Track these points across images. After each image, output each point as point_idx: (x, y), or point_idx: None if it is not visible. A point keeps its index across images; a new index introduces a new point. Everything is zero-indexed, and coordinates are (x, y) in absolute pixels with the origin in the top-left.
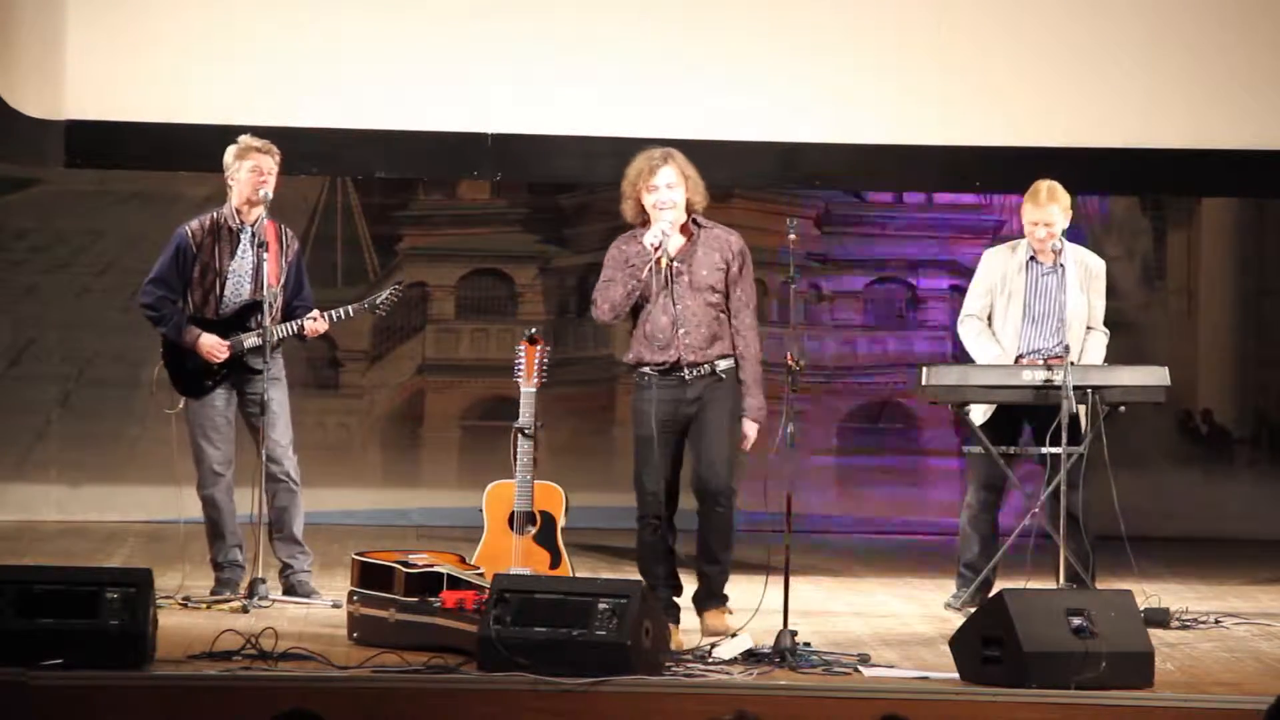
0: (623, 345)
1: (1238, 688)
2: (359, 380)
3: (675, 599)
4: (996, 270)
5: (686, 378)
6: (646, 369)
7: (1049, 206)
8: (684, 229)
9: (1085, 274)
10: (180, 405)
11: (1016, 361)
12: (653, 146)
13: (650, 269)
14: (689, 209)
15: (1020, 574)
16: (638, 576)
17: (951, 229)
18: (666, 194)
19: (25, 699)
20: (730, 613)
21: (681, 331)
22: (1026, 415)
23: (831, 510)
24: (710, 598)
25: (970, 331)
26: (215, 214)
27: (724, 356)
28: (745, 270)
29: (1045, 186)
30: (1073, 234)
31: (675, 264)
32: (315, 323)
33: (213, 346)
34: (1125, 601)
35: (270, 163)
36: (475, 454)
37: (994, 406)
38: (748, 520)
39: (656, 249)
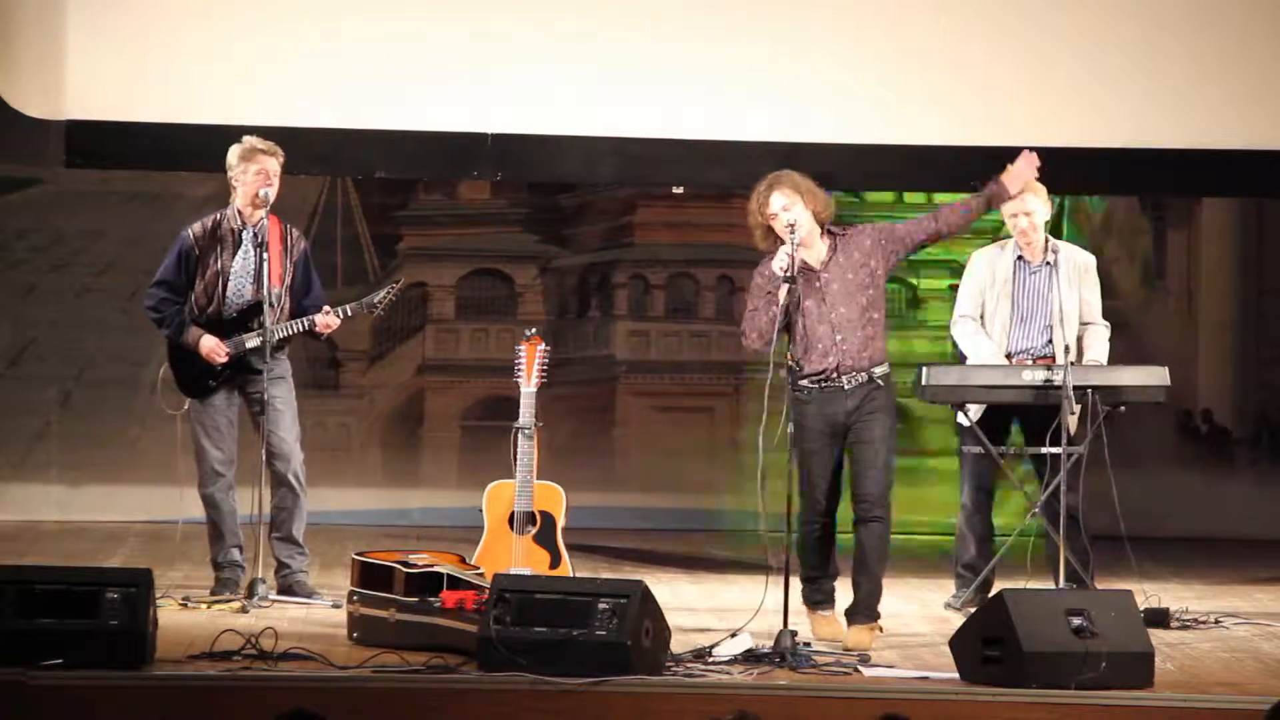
0: (623, 346)
1: (1238, 688)
2: (359, 380)
3: (834, 585)
4: (985, 270)
5: (845, 386)
6: (805, 381)
7: (1023, 196)
8: (824, 238)
9: (1074, 270)
10: (185, 407)
11: (1007, 360)
12: (649, 147)
13: (787, 291)
14: (818, 220)
15: (1020, 574)
16: (638, 576)
17: None
18: (785, 216)
19: (25, 699)
20: (880, 630)
21: (840, 338)
22: (1017, 414)
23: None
24: (858, 612)
25: (965, 331)
26: (218, 215)
27: (879, 363)
28: (884, 235)
29: None
30: (1073, 234)
31: (822, 274)
32: (328, 316)
33: (212, 348)
34: (1125, 601)
35: (275, 165)
36: (475, 454)
37: (984, 406)
38: (747, 520)
39: (785, 271)
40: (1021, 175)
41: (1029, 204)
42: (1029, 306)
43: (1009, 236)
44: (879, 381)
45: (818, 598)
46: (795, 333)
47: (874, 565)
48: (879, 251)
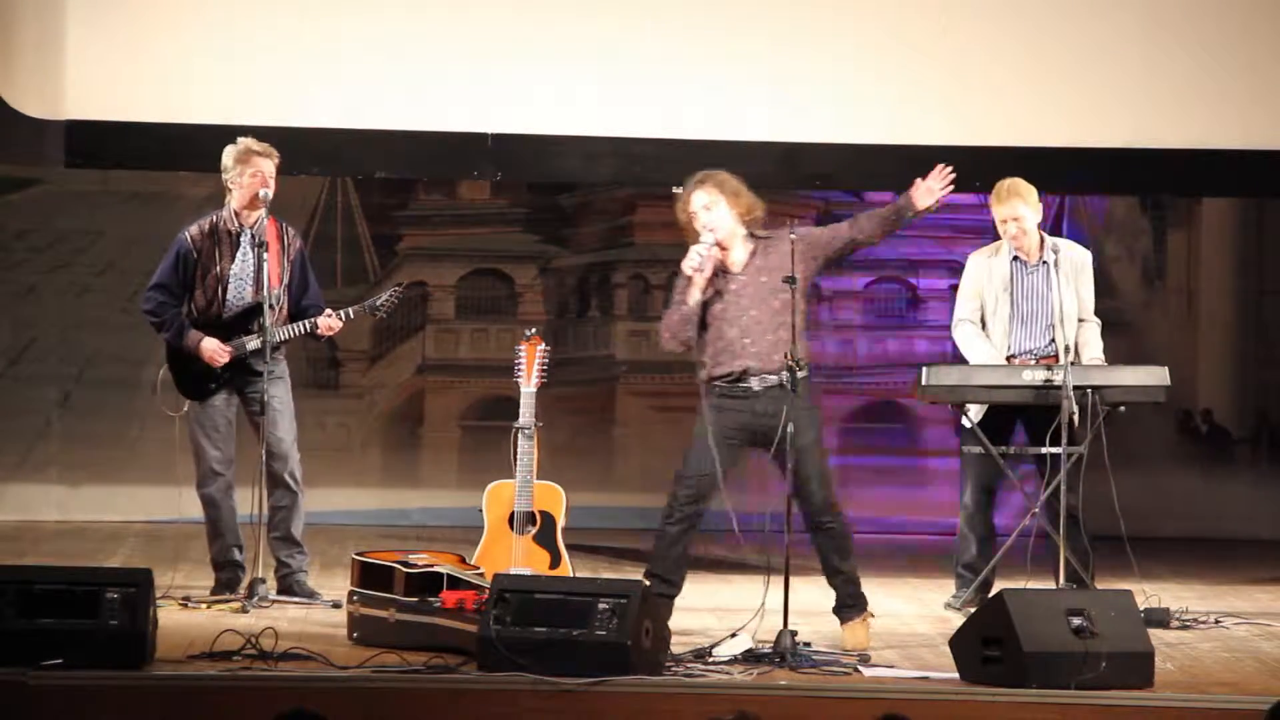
0: (623, 346)
1: (1238, 688)
2: (359, 380)
3: (670, 595)
4: (982, 272)
5: (756, 388)
6: (718, 384)
7: (1011, 201)
8: (746, 241)
9: (1071, 267)
10: (185, 408)
11: (1008, 362)
12: (649, 147)
13: (699, 290)
14: (743, 222)
15: (1020, 574)
16: (638, 576)
17: (951, 229)
18: (706, 216)
19: (25, 699)
20: (873, 616)
21: (747, 341)
22: (1020, 415)
23: None
24: (845, 608)
25: (964, 335)
26: (214, 217)
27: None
28: (804, 240)
29: (1007, 183)
30: (1073, 233)
31: (738, 277)
32: (330, 319)
33: (214, 351)
34: (1125, 601)
35: (270, 166)
36: (475, 454)
37: (987, 406)
38: (748, 520)
39: (696, 270)
40: (932, 191)
41: (1017, 210)
42: (1030, 307)
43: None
44: (791, 386)
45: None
46: (708, 339)
47: (841, 562)
48: (797, 256)
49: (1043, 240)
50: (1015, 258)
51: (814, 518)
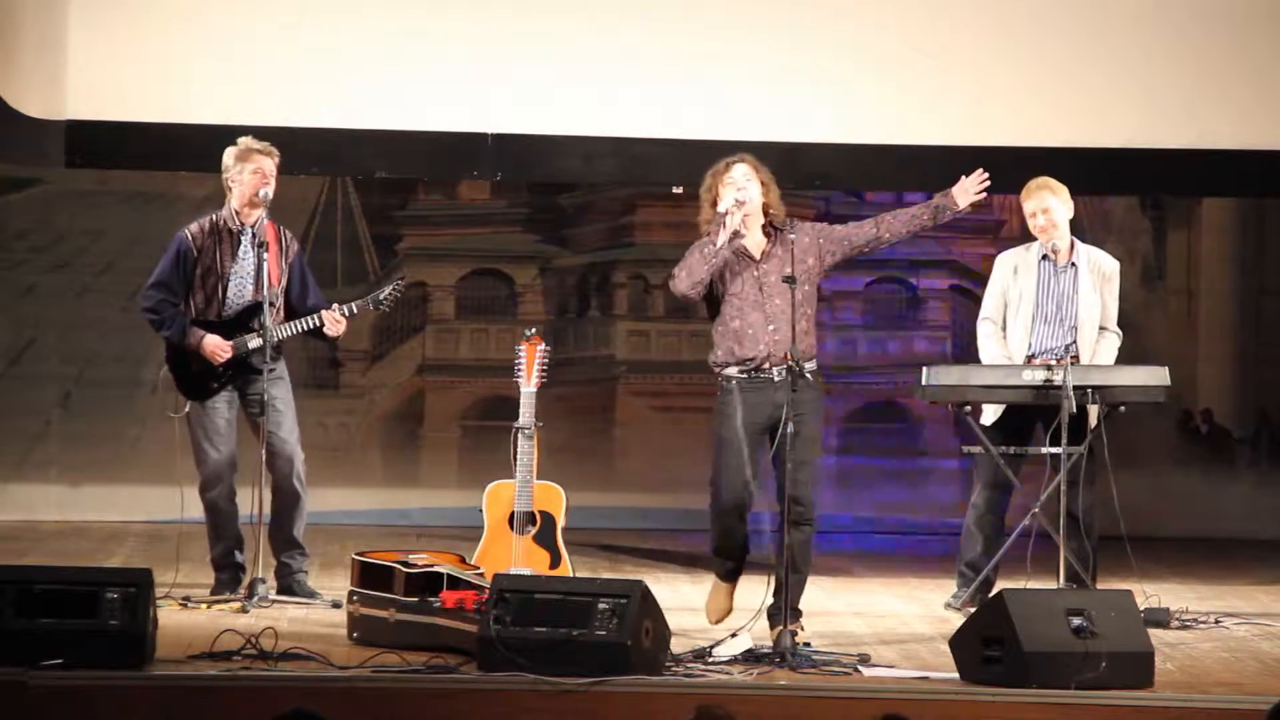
0: (623, 346)
1: (1238, 688)
2: (359, 380)
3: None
4: (1009, 270)
5: (775, 378)
6: (733, 370)
7: (1040, 194)
8: (765, 231)
9: (1098, 274)
10: (186, 409)
11: (1028, 361)
12: (649, 147)
13: (729, 233)
14: (766, 212)
15: (1020, 574)
16: (638, 576)
17: (951, 229)
18: (744, 182)
19: (25, 699)
20: (803, 628)
21: (772, 328)
22: (1037, 415)
23: (831, 510)
24: (787, 611)
25: (983, 334)
26: (215, 216)
27: (809, 359)
28: (823, 234)
29: (1037, 180)
30: (1073, 234)
31: (761, 264)
32: (334, 313)
33: (215, 347)
34: (1125, 601)
35: (271, 165)
36: (475, 454)
37: (1003, 406)
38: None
39: (736, 207)
40: (969, 191)
41: (1046, 201)
42: (1053, 307)
43: (1007, 237)
44: (809, 377)
45: (731, 576)
46: (726, 317)
47: (804, 567)
48: (815, 249)
49: (1073, 244)
50: (1045, 256)
51: (800, 513)
